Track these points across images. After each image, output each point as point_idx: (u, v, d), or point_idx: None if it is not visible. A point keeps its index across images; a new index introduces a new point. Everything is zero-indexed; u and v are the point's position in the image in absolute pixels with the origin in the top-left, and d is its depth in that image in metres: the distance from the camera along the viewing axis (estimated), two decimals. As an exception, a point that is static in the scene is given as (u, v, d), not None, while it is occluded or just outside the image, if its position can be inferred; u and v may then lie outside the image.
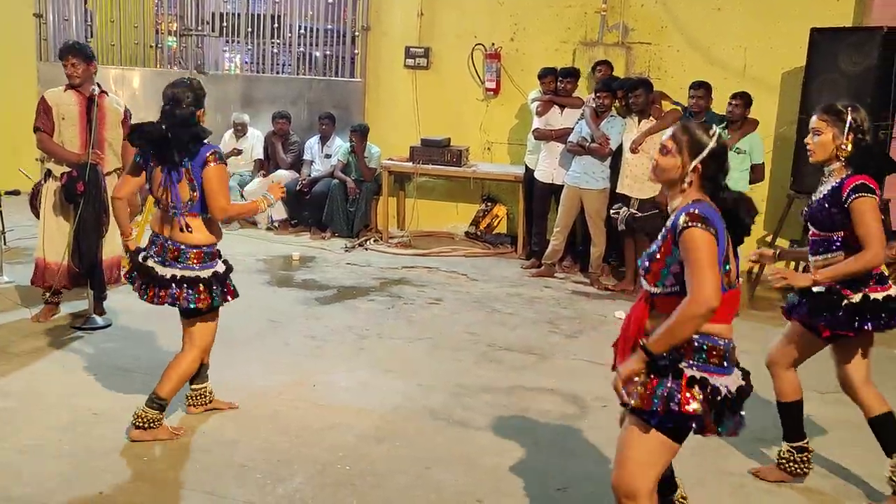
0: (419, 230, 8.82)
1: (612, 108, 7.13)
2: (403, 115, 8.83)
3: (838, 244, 3.38)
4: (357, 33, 9.09)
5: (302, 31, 9.44)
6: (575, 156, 7.13)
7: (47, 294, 5.35)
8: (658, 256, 2.60)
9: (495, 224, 8.58)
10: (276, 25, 9.41)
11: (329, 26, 9.39)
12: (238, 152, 8.98)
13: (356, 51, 9.14)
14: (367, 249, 8.13)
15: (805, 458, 3.68)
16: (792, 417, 3.71)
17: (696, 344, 2.54)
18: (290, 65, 9.62)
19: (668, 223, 2.62)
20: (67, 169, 5.12)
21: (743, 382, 2.64)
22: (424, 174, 8.51)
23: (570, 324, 6.00)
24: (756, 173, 6.61)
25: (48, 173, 5.28)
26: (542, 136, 7.48)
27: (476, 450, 3.84)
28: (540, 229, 7.72)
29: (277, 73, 9.68)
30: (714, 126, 2.76)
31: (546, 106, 7.49)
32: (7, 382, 4.36)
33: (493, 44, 8.47)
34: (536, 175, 7.60)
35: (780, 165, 7.56)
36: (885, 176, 3.49)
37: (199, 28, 9.56)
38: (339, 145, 8.78)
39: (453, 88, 8.65)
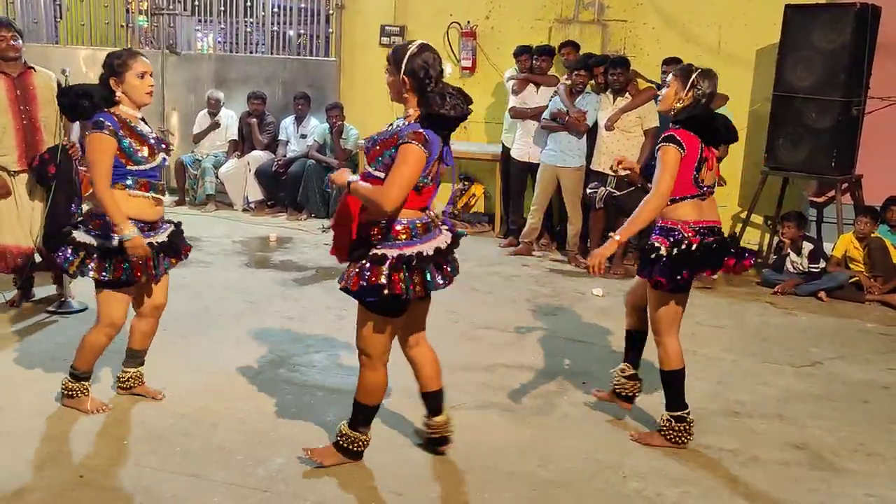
0: (396, 210, 8.79)
1: (588, 85, 7.14)
2: (379, 95, 8.72)
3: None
4: (331, 11, 9.01)
5: (275, 9, 9.35)
6: (550, 134, 7.13)
7: (15, 280, 5.29)
8: (378, 147, 3.11)
9: (472, 203, 8.58)
10: (248, 4, 9.31)
11: (302, 5, 9.30)
12: (216, 125, 8.88)
13: (330, 29, 9.06)
14: (344, 230, 8.09)
15: (686, 428, 3.73)
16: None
17: (381, 228, 3.10)
18: (263, 44, 9.52)
19: (394, 127, 3.15)
20: (18, 157, 4.94)
21: (444, 245, 3.22)
22: (401, 154, 8.46)
23: (548, 301, 6.03)
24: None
25: None
26: (519, 114, 7.48)
27: (457, 427, 3.85)
28: (517, 208, 7.74)
29: (251, 52, 9.58)
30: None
31: (522, 84, 7.48)
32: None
33: (468, 22, 8.43)
34: (513, 154, 7.60)
35: (754, 142, 7.61)
36: (713, 142, 3.67)
37: (171, 7, 9.42)
38: (315, 125, 8.72)
39: (429, 67, 8.60)
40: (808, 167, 6.89)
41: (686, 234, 3.57)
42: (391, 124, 3.22)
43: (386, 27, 8.69)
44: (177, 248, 3.85)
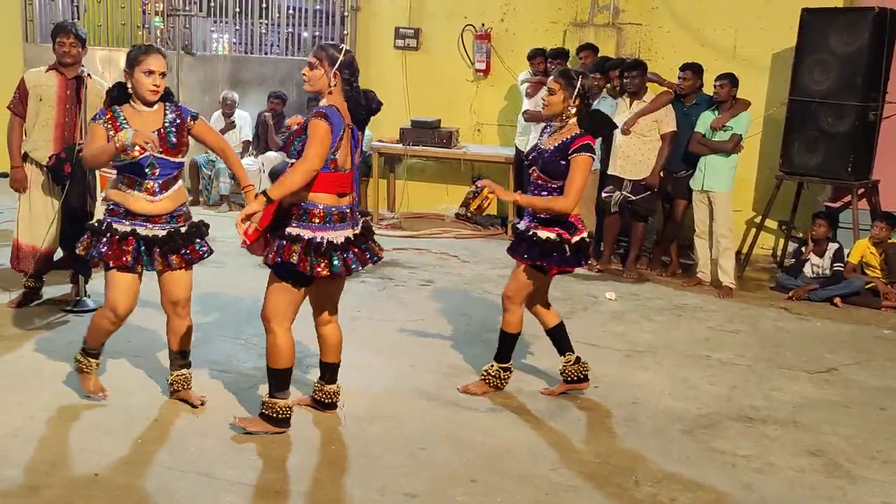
0: (409, 212, 8.81)
1: (604, 89, 7.12)
2: (393, 97, 8.76)
3: (556, 190, 3.98)
4: (346, 14, 9.03)
5: (290, 11, 9.37)
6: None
7: (25, 279, 5.33)
8: (291, 138, 3.52)
9: (485, 206, 8.47)
10: (264, 5, 9.33)
11: (318, 6, 9.32)
12: (231, 125, 8.92)
13: (345, 31, 9.08)
14: (357, 231, 8.11)
15: (507, 376, 4.27)
16: (509, 346, 4.26)
17: (300, 210, 3.47)
18: (278, 46, 9.55)
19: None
20: (52, 152, 5.09)
21: (353, 235, 3.57)
22: (414, 156, 8.48)
23: (560, 305, 6.00)
24: (731, 141, 6.43)
25: (25, 156, 5.20)
26: (533, 117, 7.46)
27: (468, 430, 3.86)
28: (530, 211, 7.72)
29: (265, 53, 9.61)
30: (343, 45, 3.61)
31: (536, 87, 7.47)
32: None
33: (483, 24, 8.44)
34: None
35: (769, 146, 7.58)
36: (602, 135, 4.28)
37: (187, 8, 9.46)
38: (329, 127, 8.73)
39: (443, 69, 8.62)
40: (823, 172, 6.84)
41: (578, 226, 4.02)
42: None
43: (400, 29, 8.70)
44: (176, 246, 3.76)
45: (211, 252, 3.96)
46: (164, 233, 3.75)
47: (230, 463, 3.44)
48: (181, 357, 3.97)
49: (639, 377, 4.65)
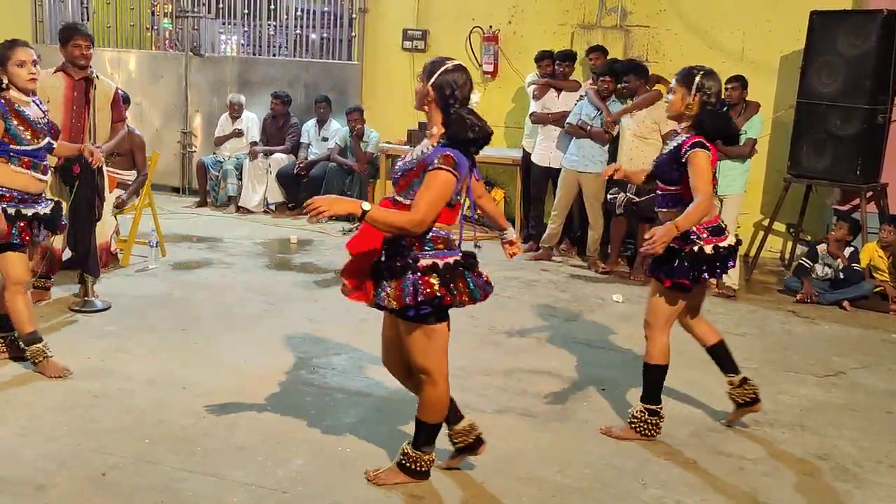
0: (417, 213, 8.80)
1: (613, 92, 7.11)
2: (401, 98, 8.79)
3: (673, 197, 3.72)
4: (354, 15, 9.05)
5: (299, 12, 9.39)
6: (573, 139, 7.11)
7: (34, 279, 5.35)
8: (407, 177, 3.06)
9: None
10: (272, 7, 9.35)
11: (326, 8, 9.34)
12: (239, 133, 8.95)
13: (353, 33, 9.09)
14: (364, 233, 8.11)
15: (651, 420, 3.82)
16: (656, 380, 3.85)
17: (422, 239, 3.02)
18: (286, 47, 9.57)
19: (418, 152, 3.10)
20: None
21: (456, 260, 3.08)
22: (422, 157, 8.47)
23: (567, 306, 6.02)
24: (745, 146, 6.43)
25: None
26: (540, 119, 7.47)
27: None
28: (537, 213, 7.72)
29: (274, 55, 9.64)
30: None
31: (543, 89, 7.47)
32: (4, 365, 4.36)
33: (490, 26, 8.44)
34: (533, 158, 7.59)
35: (777, 149, 7.56)
36: (724, 142, 3.85)
37: (195, 10, 9.50)
38: (337, 128, 8.75)
39: (451, 71, 8.60)
40: (831, 175, 6.82)
41: (701, 236, 3.65)
42: (415, 149, 3.18)
43: (408, 31, 8.71)
44: (54, 223, 4.26)
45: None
46: (48, 211, 4.19)
47: (237, 463, 3.45)
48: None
49: (645, 380, 4.64)
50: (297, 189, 8.71)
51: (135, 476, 3.32)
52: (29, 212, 4.08)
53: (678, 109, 3.73)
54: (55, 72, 5.18)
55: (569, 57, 7.50)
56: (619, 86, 7.04)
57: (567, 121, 7.16)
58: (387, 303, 3.02)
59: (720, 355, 3.98)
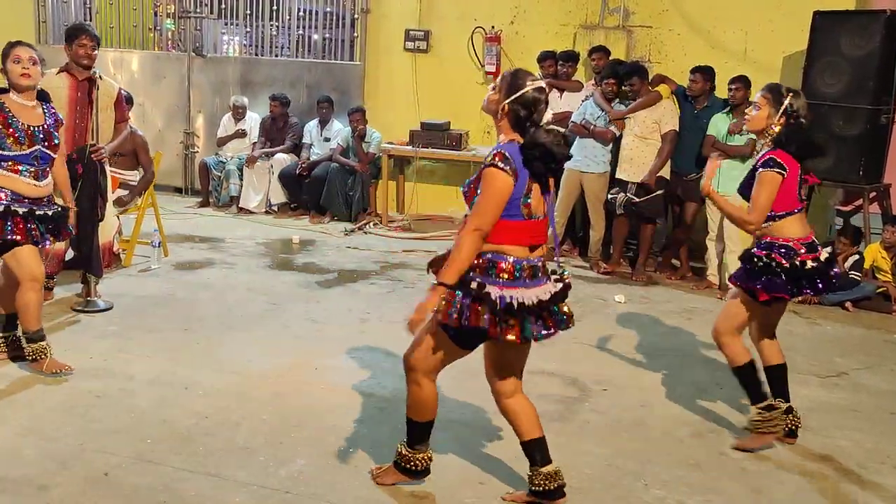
0: (419, 214, 8.81)
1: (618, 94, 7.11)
2: (403, 99, 8.79)
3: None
4: (356, 16, 9.04)
5: (301, 13, 9.39)
6: (576, 139, 7.11)
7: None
8: (472, 186, 2.97)
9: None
10: (274, 8, 9.35)
11: (328, 9, 9.33)
12: (243, 133, 8.96)
13: (355, 33, 9.09)
14: (366, 233, 8.13)
15: (774, 417, 3.77)
16: (750, 379, 3.84)
17: (486, 262, 2.91)
18: (288, 48, 9.57)
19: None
20: (63, 152, 5.12)
21: (547, 296, 2.95)
22: (424, 158, 8.49)
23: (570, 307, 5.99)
24: (748, 147, 6.38)
25: None
26: (543, 119, 7.45)
27: (477, 432, 3.85)
28: (539, 213, 7.70)
29: (276, 55, 9.64)
30: (538, 76, 3.03)
31: (546, 89, 7.46)
32: (4, 364, 4.36)
33: (493, 27, 8.43)
34: (536, 159, 7.58)
35: (780, 150, 7.53)
36: (804, 159, 3.79)
37: (198, 10, 9.50)
38: (339, 129, 8.75)
39: (453, 72, 8.61)
40: (834, 175, 6.79)
41: (798, 251, 3.67)
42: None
43: (410, 31, 8.71)
44: (58, 229, 4.26)
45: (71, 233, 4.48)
46: (49, 212, 4.21)
47: (239, 464, 3.45)
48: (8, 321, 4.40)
49: (648, 380, 4.64)
50: (300, 189, 8.71)
51: (136, 476, 3.32)
52: (21, 209, 4.06)
53: (761, 126, 3.74)
54: (59, 72, 5.19)
55: (571, 57, 7.49)
56: (622, 87, 7.03)
57: (571, 120, 7.16)
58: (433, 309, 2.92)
59: (779, 378, 3.94)
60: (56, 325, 5.02)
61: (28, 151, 4.11)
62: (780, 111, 3.67)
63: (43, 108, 4.26)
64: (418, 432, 3.23)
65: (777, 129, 3.68)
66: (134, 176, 6.49)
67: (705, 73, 6.76)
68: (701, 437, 3.96)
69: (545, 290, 2.95)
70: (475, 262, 2.92)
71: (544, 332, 2.94)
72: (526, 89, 2.91)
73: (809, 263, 3.66)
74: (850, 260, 6.49)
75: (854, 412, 4.38)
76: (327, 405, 4.07)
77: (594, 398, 4.34)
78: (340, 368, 4.59)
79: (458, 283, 2.89)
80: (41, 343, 4.22)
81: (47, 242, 4.26)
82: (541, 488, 3.14)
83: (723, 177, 6.50)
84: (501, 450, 3.67)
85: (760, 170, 3.65)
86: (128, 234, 6.55)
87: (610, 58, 7.42)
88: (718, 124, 6.58)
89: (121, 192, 6.30)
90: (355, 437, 3.75)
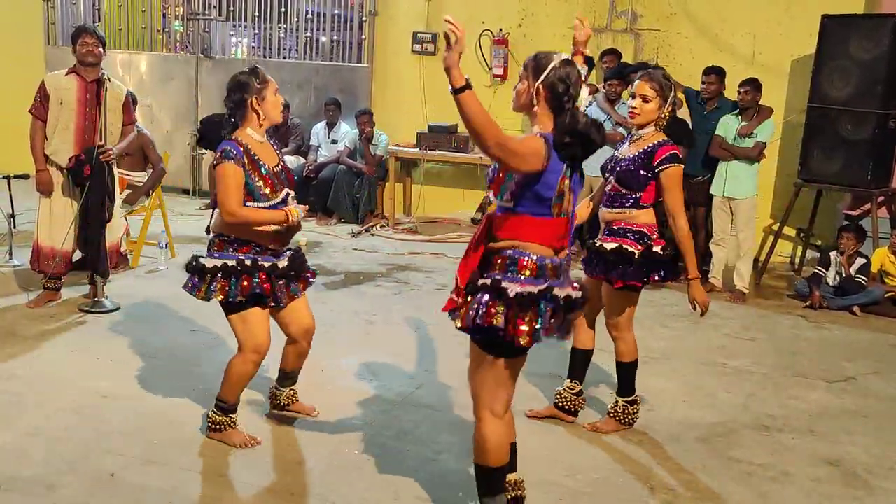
0: (426, 216, 8.82)
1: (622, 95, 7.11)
2: (410, 101, 8.81)
3: (630, 200, 3.73)
4: (364, 18, 9.06)
5: (309, 15, 9.42)
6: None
7: (44, 279, 5.39)
8: (500, 173, 2.78)
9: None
10: (283, 10, 9.38)
11: (336, 11, 9.36)
12: None
13: (363, 36, 9.11)
14: (373, 235, 8.14)
15: (635, 410, 3.96)
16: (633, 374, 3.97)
17: (507, 259, 2.74)
18: (296, 50, 9.59)
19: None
20: (71, 153, 5.15)
21: (567, 295, 2.76)
22: (431, 160, 8.50)
23: (576, 311, 5.99)
24: (755, 149, 6.46)
25: (46, 158, 5.25)
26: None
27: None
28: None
29: (284, 57, 9.66)
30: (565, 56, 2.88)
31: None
32: (15, 365, 4.38)
33: (500, 29, 8.44)
34: (543, 162, 7.58)
35: (787, 153, 7.53)
36: (682, 146, 3.92)
37: (206, 12, 9.54)
38: (346, 131, 8.77)
39: (461, 74, 8.61)
40: (842, 179, 6.79)
41: (652, 237, 3.73)
42: None
43: (418, 34, 8.73)
44: (298, 273, 3.69)
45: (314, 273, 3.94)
46: (286, 262, 3.62)
47: (245, 465, 3.46)
48: (294, 375, 3.90)
49: (654, 384, 4.63)
50: (306, 191, 8.72)
51: (144, 477, 3.33)
52: (266, 263, 3.51)
53: (652, 118, 3.72)
54: (68, 73, 5.21)
55: (587, 62, 7.48)
56: (628, 88, 7.02)
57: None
58: (454, 319, 2.81)
59: (584, 363, 4.11)
60: (63, 325, 5.04)
61: (280, 199, 3.70)
62: (668, 102, 3.69)
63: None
64: (485, 481, 2.92)
65: (665, 118, 3.71)
66: (141, 176, 6.52)
67: (720, 74, 6.77)
68: (708, 441, 3.95)
69: (566, 292, 2.76)
70: (495, 260, 2.77)
71: (556, 332, 2.77)
72: (554, 62, 2.77)
73: (652, 248, 3.71)
74: (857, 264, 6.47)
75: (862, 417, 4.36)
76: (333, 407, 4.07)
77: (599, 401, 4.33)
78: (346, 371, 4.59)
79: (477, 287, 2.72)
80: (230, 416, 3.63)
81: (293, 292, 3.67)
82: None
83: (730, 178, 6.51)
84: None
85: (663, 169, 3.64)
86: (135, 235, 6.57)
87: (620, 60, 7.43)
88: (727, 125, 6.58)
89: (128, 193, 6.33)
90: (361, 439, 3.75)
